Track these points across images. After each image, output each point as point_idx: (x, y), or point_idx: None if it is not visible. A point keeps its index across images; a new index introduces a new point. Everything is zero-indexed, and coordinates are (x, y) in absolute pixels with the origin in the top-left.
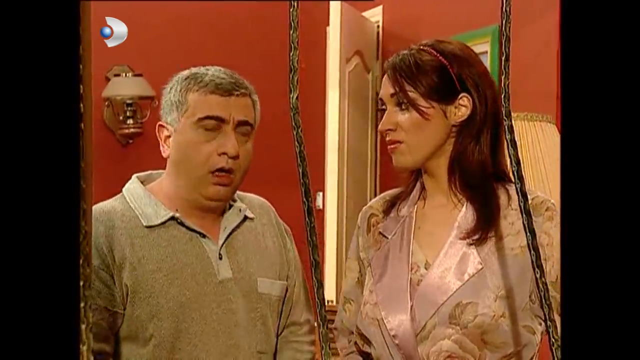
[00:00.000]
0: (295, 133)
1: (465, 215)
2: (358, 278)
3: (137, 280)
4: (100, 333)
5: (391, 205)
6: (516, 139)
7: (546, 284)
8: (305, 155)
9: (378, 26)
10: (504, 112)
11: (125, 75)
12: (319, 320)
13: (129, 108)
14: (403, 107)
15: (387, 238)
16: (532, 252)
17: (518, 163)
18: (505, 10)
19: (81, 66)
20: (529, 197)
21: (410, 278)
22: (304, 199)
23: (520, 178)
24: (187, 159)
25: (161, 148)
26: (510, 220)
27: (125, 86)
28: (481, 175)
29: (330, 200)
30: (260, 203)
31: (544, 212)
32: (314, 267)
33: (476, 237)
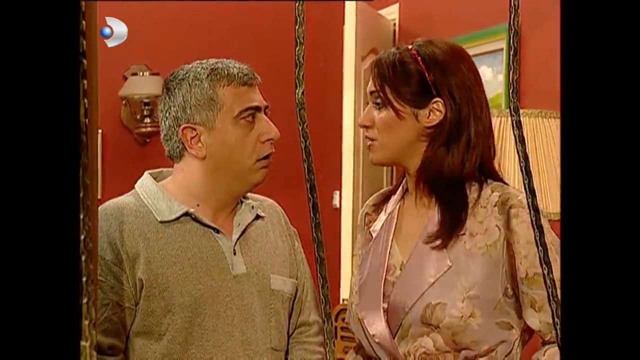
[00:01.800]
0: (300, 128)
1: (433, 218)
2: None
3: (151, 275)
4: (112, 328)
5: (382, 204)
6: (530, 136)
7: (554, 281)
8: (311, 151)
9: (394, 24)
10: (512, 107)
11: (142, 74)
12: (323, 317)
13: (146, 107)
14: (379, 105)
15: (372, 236)
16: (539, 248)
17: (526, 159)
18: (514, 5)
19: (85, 61)
20: (496, 193)
21: (387, 279)
22: (309, 195)
23: (529, 174)
24: (233, 154)
25: (190, 150)
26: (480, 218)
27: (142, 85)
28: (449, 179)
29: (345, 198)
30: (270, 204)
31: (507, 209)
32: (319, 263)
33: (438, 242)
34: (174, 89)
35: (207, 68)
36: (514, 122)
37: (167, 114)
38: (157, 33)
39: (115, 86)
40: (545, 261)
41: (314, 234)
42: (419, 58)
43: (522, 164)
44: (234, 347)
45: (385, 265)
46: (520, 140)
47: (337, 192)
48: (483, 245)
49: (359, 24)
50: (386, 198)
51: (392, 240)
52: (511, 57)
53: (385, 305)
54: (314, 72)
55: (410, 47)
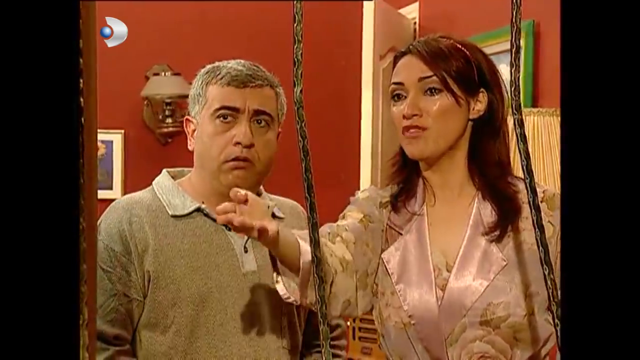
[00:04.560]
0: (298, 127)
1: (480, 211)
2: (361, 220)
3: (159, 267)
4: (119, 318)
5: (396, 200)
6: (544, 134)
7: (554, 281)
8: (309, 150)
9: (415, 22)
10: (513, 105)
11: (164, 74)
12: (320, 317)
13: (168, 107)
14: (432, 92)
15: (400, 234)
16: (540, 248)
17: (528, 157)
18: (516, 2)
19: (81, 60)
20: (538, 190)
21: (435, 282)
22: (307, 195)
23: (530, 173)
24: (206, 150)
25: (188, 142)
26: (525, 214)
27: (164, 85)
28: (501, 172)
29: None
30: (292, 205)
31: (559, 204)
32: (315, 264)
33: (497, 232)
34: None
35: (210, 66)
36: (516, 120)
37: None
38: (179, 33)
39: (137, 86)
40: (545, 261)
41: (311, 234)
42: (463, 47)
43: (523, 163)
44: (240, 342)
45: (432, 267)
46: (522, 138)
47: (358, 192)
48: (534, 242)
49: (377, 23)
50: (398, 196)
51: (429, 241)
52: (513, 55)
53: (438, 307)
54: (336, 72)
55: (441, 37)
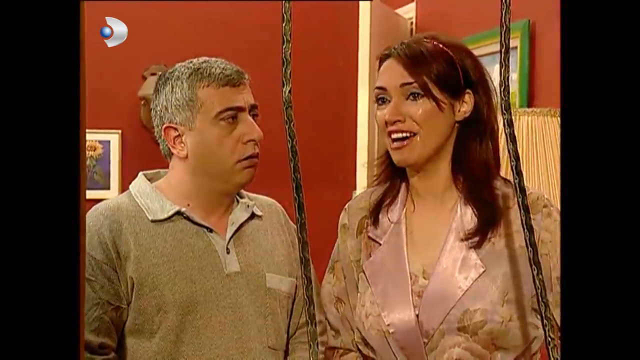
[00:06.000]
0: (287, 127)
1: (461, 216)
2: (346, 282)
3: (142, 273)
4: (103, 327)
5: (378, 208)
6: (538, 134)
7: (543, 282)
8: (297, 150)
9: (411, 22)
10: (503, 105)
11: None
12: (307, 318)
13: None
14: (414, 97)
15: (379, 244)
16: (529, 248)
17: (517, 158)
18: (505, 2)
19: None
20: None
21: (412, 289)
22: (295, 194)
23: (519, 173)
24: (212, 154)
25: (173, 150)
26: (508, 218)
27: None
28: (485, 175)
29: None
30: (270, 203)
31: (541, 208)
32: (304, 264)
33: (477, 239)
34: (161, 88)
35: (190, 68)
36: (506, 120)
37: (155, 114)
38: (176, 33)
39: (134, 86)
40: (534, 261)
41: (299, 234)
42: (446, 49)
43: (512, 164)
44: (226, 345)
45: (409, 273)
46: (512, 138)
47: (355, 193)
48: (517, 246)
49: (373, 23)
50: (381, 201)
51: (406, 247)
52: (502, 54)
53: (416, 315)
54: (333, 71)
55: (425, 38)
